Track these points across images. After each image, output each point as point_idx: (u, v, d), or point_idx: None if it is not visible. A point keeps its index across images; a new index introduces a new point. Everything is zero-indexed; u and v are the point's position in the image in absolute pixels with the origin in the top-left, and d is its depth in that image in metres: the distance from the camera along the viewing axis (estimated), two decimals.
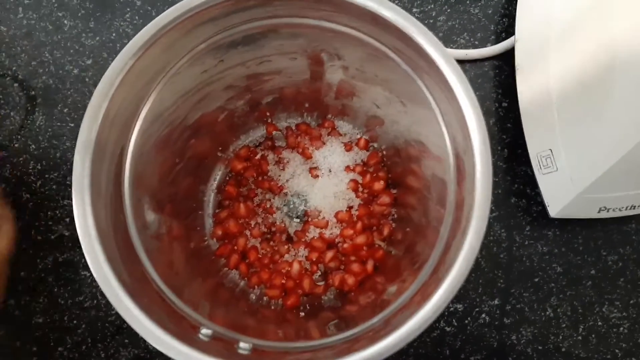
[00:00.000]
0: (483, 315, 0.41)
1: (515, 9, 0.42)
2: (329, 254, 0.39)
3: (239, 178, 0.42)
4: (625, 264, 0.42)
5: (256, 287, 0.40)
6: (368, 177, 0.40)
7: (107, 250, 0.26)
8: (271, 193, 0.41)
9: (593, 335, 0.41)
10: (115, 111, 0.28)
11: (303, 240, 0.40)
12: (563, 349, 0.41)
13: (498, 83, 0.44)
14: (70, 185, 0.27)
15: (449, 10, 0.44)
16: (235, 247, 0.40)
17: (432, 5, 0.44)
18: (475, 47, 0.44)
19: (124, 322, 0.25)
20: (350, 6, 0.28)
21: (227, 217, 0.40)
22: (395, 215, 0.41)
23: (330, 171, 0.41)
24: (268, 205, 0.41)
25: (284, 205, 0.41)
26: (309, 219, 0.40)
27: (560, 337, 0.41)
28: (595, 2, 0.38)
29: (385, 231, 0.40)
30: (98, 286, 0.26)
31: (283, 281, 0.39)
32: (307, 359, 0.29)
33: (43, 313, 0.41)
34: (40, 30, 0.44)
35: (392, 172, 0.41)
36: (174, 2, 0.28)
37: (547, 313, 0.41)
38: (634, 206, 0.39)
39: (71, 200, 0.26)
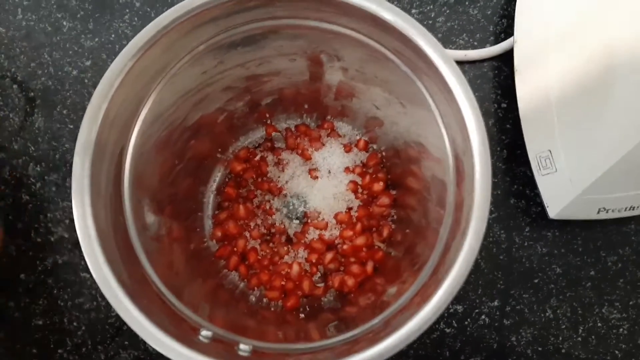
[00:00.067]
0: (483, 317, 0.41)
1: (514, 10, 0.42)
2: (329, 256, 0.39)
3: (238, 179, 0.42)
4: (624, 265, 0.42)
5: (256, 288, 0.40)
6: (367, 178, 0.40)
7: (107, 251, 0.26)
8: (271, 194, 0.41)
9: (593, 337, 0.41)
10: (115, 112, 0.28)
11: (303, 241, 0.40)
12: (563, 350, 0.41)
13: (497, 84, 0.44)
14: (69, 187, 0.27)
15: (448, 11, 0.44)
16: (235, 249, 0.40)
17: (431, 6, 0.44)
18: (474, 48, 0.44)
19: (124, 323, 0.25)
20: (350, 7, 0.28)
21: (227, 218, 0.40)
22: (395, 217, 0.41)
23: (329, 172, 0.41)
24: (267, 207, 0.41)
25: (284, 206, 0.41)
26: (309, 220, 0.40)
27: (560, 338, 0.41)
28: (595, 4, 0.38)
29: (385, 232, 0.40)
30: (98, 288, 0.26)
31: (283, 283, 0.39)
32: None
33: (43, 315, 0.41)
34: (39, 31, 0.44)
35: (392, 173, 0.41)
36: (173, 3, 0.28)
37: (547, 314, 0.41)
38: (633, 207, 0.39)
39: (71, 202, 0.26)
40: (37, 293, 0.41)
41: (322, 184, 0.41)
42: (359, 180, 0.41)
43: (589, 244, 0.42)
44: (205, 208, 0.41)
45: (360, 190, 0.41)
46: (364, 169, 0.41)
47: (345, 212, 0.40)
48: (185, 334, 0.27)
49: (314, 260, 0.39)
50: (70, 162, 0.27)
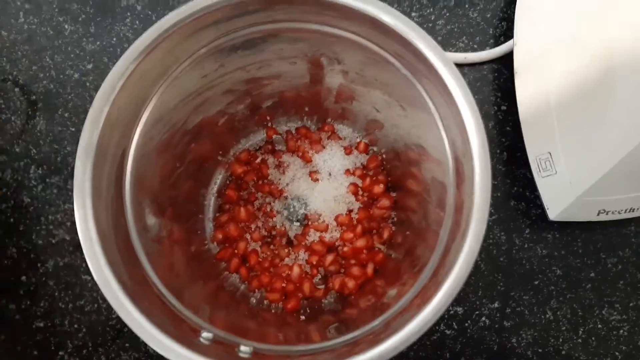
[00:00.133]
0: (483, 318, 0.41)
1: (513, 13, 0.42)
2: (329, 258, 0.39)
3: (239, 182, 0.42)
4: (624, 266, 0.42)
5: (256, 290, 0.40)
6: (368, 180, 0.41)
7: (108, 253, 0.27)
8: (271, 197, 0.41)
9: (593, 338, 0.41)
10: (117, 115, 0.28)
11: (303, 243, 0.40)
12: (563, 352, 0.41)
13: (497, 86, 0.44)
14: (71, 190, 0.27)
15: (447, 14, 0.44)
16: (236, 251, 0.40)
17: (431, 9, 0.44)
18: (474, 50, 0.44)
19: (125, 325, 0.25)
20: (350, 11, 0.28)
21: (228, 220, 0.40)
22: (395, 219, 0.41)
23: (330, 175, 0.41)
24: (268, 209, 0.41)
25: (284, 208, 0.41)
26: (309, 223, 0.40)
27: (560, 340, 0.41)
28: (594, 6, 0.38)
29: (385, 234, 0.40)
30: (99, 290, 0.26)
31: (283, 285, 0.39)
32: None
33: (44, 317, 0.41)
34: (41, 34, 0.44)
35: (392, 176, 0.41)
36: (175, 6, 0.28)
37: (547, 316, 0.41)
38: (633, 209, 0.39)
39: (72, 204, 0.27)
40: (38, 295, 0.41)
41: (323, 187, 0.41)
42: (359, 182, 0.41)
43: (589, 246, 0.42)
44: (206, 210, 0.42)
45: (360, 192, 0.41)
46: (364, 172, 0.41)
47: (346, 214, 0.40)
48: (185, 336, 0.28)
49: (314, 262, 0.39)
50: (72, 165, 0.27)
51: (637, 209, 0.40)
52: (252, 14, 0.30)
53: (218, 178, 0.42)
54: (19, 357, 0.41)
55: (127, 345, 0.41)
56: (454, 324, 0.41)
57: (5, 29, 0.44)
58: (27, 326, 0.41)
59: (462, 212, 0.28)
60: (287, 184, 0.41)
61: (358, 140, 0.42)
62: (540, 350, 0.41)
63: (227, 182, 0.42)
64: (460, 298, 0.41)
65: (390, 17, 0.27)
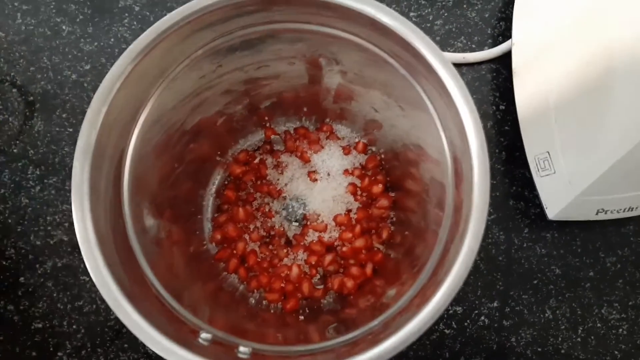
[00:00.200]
0: (482, 318, 0.41)
1: (512, 12, 0.42)
2: (328, 258, 0.39)
3: (237, 182, 0.42)
4: (623, 265, 0.42)
5: (255, 291, 0.40)
6: (366, 180, 0.41)
7: (107, 255, 0.26)
8: (270, 197, 0.41)
9: (592, 337, 0.41)
10: (115, 116, 0.28)
11: (302, 243, 0.40)
12: (562, 351, 0.41)
13: (495, 86, 0.44)
14: (69, 190, 0.27)
15: (446, 14, 0.44)
16: (235, 251, 0.40)
17: (430, 10, 0.44)
18: (472, 50, 0.44)
19: (124, 326, 0.25)
20: (348, 11, 0.28)
21: (226, 221, 0.40)
22: (394, 219, 0.41)
23: (328, 175, 0.41)
24: (267, 209, 0.41)
25: (283, 209, 0.41)
26: (308, 223, 0.40)
27: (560, 339, 0.41)
28: (593, 5, 0.38)
29: (384, 234, 0.40)
30: (97, 291, 0.26)
31: (282, 285, 0.39)
32: None
33: (42, 318, 0.41)
34: (38, 35, 0.44)
35: (391, 176, 0.41)
36: (173, 7, 0.28)
37: (546, 315, 0.41)
38: (632, 208, 0.39)
39: (70, 205, 0.27)
40: (36, 296, 0.41)
41: (321, 187, 0.41)
42: (358, 182, 0.41)
43: (588, 245, 0.42)
44: (205, 211, 0.42)
45: (359, 192, 0.41)
46: (363, 171, 0.41)
47: (345, 214, 0.40)
48: (184, 337, 0.28)
49: (313, 263, 0.39)
50: (70, 166, 0.27)
51: (636, 208, 0.40)
52: (250, 15, 0.30)
53: (216, 178, 0.42)
54: (17, 358, 0.40)
55: (125, 346, 0.41)
56: (453, 323, 0.41)
57: (2, 30, 0.44)
58: (26, 327, 0.41)
59: (461, 212, 0.28)
60: (286, 184, 0.41)
61: (357, 140, 0.42)
62: (539, 350, 0.41)
63: (226, 182, 0.42)
64: (460, 297, 0.41)
65: (389, 18, 0.27)
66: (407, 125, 0.36)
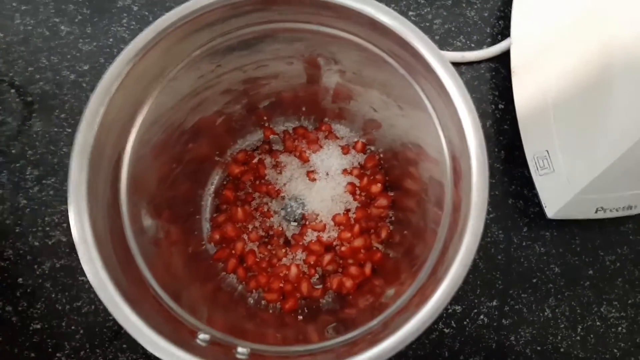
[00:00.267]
0: (481, 317, 0.41)
1: (510, 11, 0.42)
2: (327, 257, 0.39)
3: (236, 182, 0.42)
4: (622, 264, 0.42)
5: (254, 291, 0.40)
6: (365, 180, 0.40)
7: (104, 256, 0.26)
8: (269, 197, 0.41)
9: (591, 336, 0.41)
10: (113, 116, 0.28)
11: (301, 243, 0.40)
12: (562, 350, 0.41)
13: (494, 85, 0.44)
14: (67, 191, 0.27)
15: (445, 14, 0.44)
16: (233, 251, 0.40)
17: (428, 9, 0.44)
18: (471, 49, 0.44)
19: (122, 327, 0.25)
20: (347, 11, 0.28)
21: (225, 221, 0.40)
22: (393, 218, 0.41)
23: (327, 174, 0.41)
24: (265, 209, 0.41)
25: (282, 208, 0.41)
26: (307, 222, 0.40)
27: (559, 338, 0.41)
28: (592, 4, 0.38)
29: (383, 234, 0.40)
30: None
31: (281, 285, 0.39)
32: None
33: (41, 319, 0.41)
34: (37, 36, 0.44)
35: (390, 175, 0.41)
36: (172, 7, 0.28)
37: (546, 314, 0.41)
38: (631, 206, 0.39)
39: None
40: (35, 297, 0.41)
41: (320, 186, 0.41)
42: (356, 182, 0.41)
43: (587, 244, 0.42)
44: (203, 211, 0.41)
45: (358, 192, 0.41)
46: (361, 171, 0.41)
47: (344, 213, 0.40)
48: (182, 338, 0.27)
49: (312, 262, 0.39)
50: (68, 166, 0.27)
51: (635, 206, 0.40)
52: (249, 15, 0.30)
53: (215, 178, 0.42)
54: (16, 359, 0.40)
55: (124, 346, 0.41)
56: (452, 322, 0.41)
57: (1, 30, 0.44)
58: (24, 328, 0.41)
59: (460, 211, 0.28)
60: (285, 184, 0.41)
61: (355, 139, 0.42)
62: (538, 348, 0.41)
63: (224, 182, 0.42)
64: (459, 296, 0.41)
65: (388, 17, 0.27)
66: (406, 124, 0.36)
